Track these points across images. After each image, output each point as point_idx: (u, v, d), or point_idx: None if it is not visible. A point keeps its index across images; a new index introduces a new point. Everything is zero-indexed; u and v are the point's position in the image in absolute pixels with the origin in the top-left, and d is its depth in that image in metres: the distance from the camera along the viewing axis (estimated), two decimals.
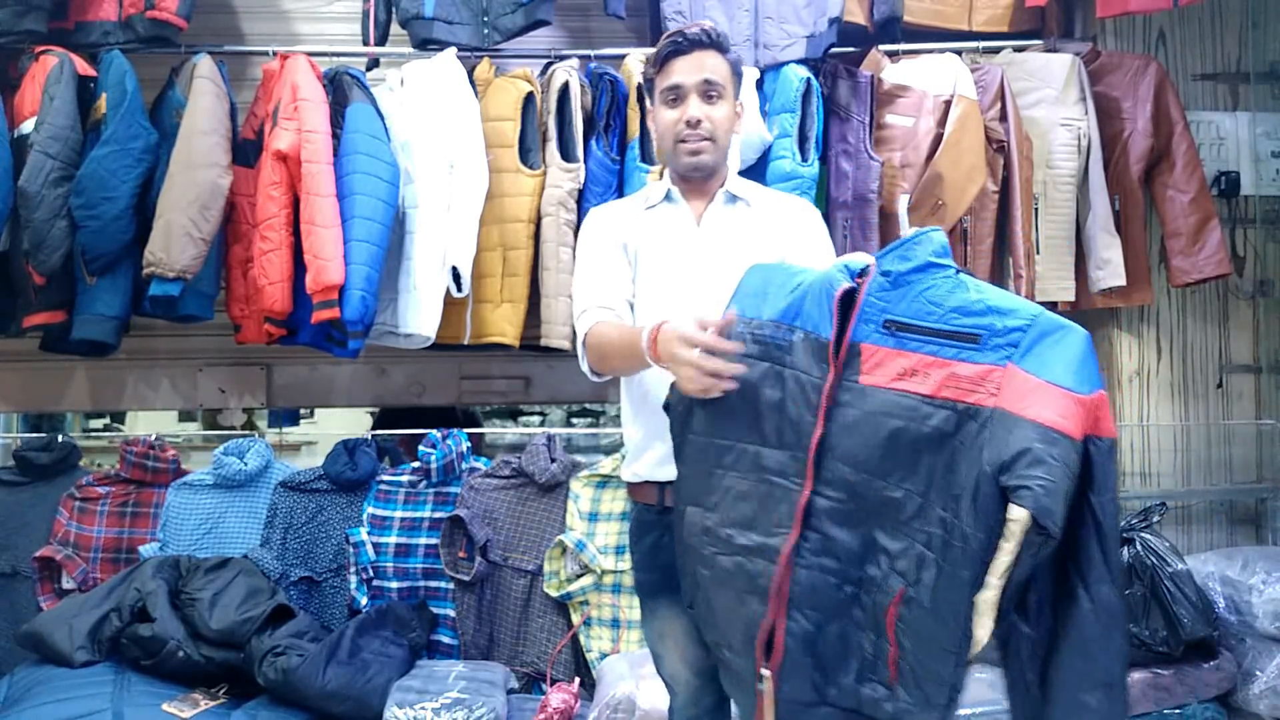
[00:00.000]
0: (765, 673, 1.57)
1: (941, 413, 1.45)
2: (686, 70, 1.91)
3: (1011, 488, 1.37)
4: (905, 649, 1.48)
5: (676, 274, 1.94)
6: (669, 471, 1.85)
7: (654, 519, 1.94)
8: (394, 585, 2.95)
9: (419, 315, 2.83)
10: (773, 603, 1.56)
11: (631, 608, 2.85)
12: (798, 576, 1.54)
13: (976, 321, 1.45)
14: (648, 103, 2.01)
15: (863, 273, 1.58)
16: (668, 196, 2.01)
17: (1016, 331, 1.43)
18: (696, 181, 1.99)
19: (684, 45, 1.91)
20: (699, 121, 1.90)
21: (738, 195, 2.00)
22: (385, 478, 3.02)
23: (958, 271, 1.51)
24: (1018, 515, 1.36)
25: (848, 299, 1.56)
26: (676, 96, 1.92)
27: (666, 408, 1.75)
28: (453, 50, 2.93)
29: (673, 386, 1.69)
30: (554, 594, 2.88)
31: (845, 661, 1.54)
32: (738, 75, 1.98)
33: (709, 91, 1.91)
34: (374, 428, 3.74)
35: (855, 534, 1.53)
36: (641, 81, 2.03)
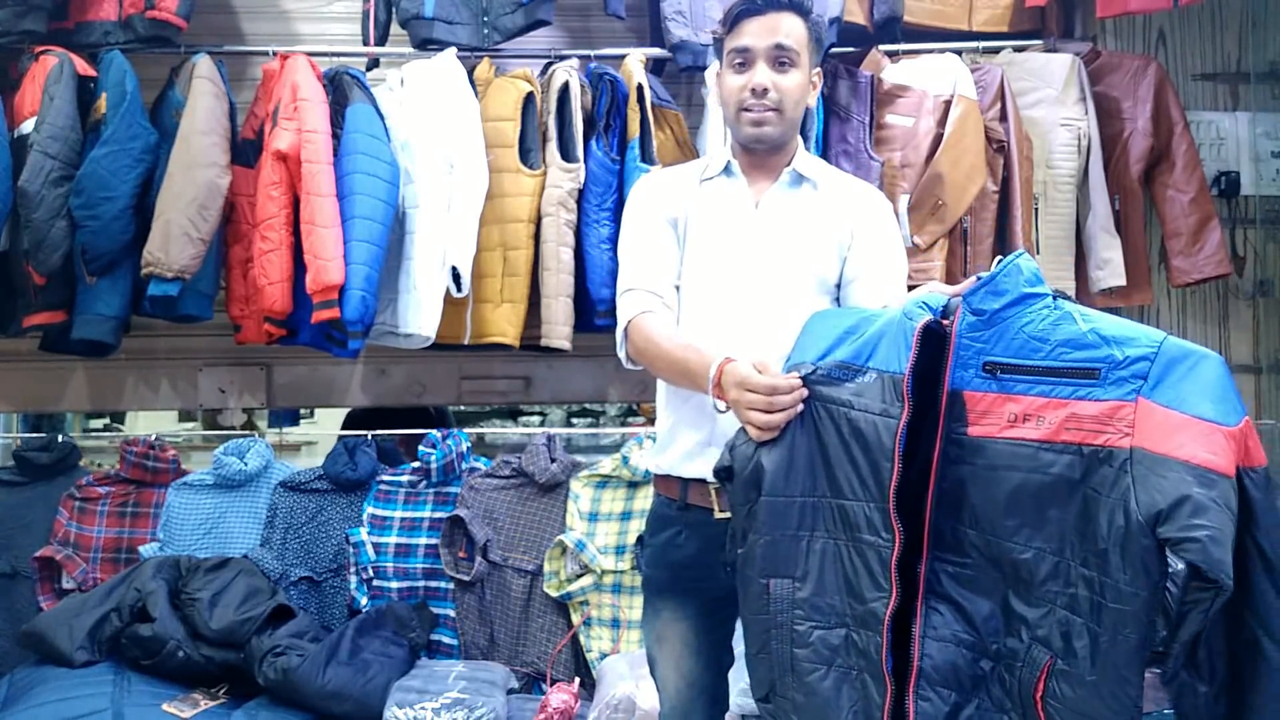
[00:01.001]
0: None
1: (1064, 458, 1.32)
2: (758, 33, 1.77)
3: (1174, 540, 1.22)
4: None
5: (728, 261, 1.82)
6: (694, 468, 1.80)
7: (674, 514, 1.86)
8: (394, 585, 2.95)
9: (419, 315, 2.83)
10: (888, 680, 1.40)
11: (631, 608, 2.85)
12: (928, 649, 1.40)
13: (1092, 355, 1.31)
14: (717, 66, 1.87)
15: (945, 311, 1.43)
16: (726, 169, 1.88)
17: (1142, 361, 1.29)
18: (760, 155, 1.86)
19: (758, 4, 1.77)
20: (765, 90, 1.77)
21: (804, 176, 1.86)
22: (385, 478, 3.02)
23: (1055, 297, 1.37)
24: (1178, 569, 1.22)
25: (931, 338, 1.41)
26: (744, 61, 1.78)
27: (723, 474, 1.58)
28: (453, 50, 2.93)
29: (731, 450, 1.56)
30: (554, 594, 2.88)
31: None
32: (817, 42, 1.84)
33: (780, 58, 1.77)
34: (343, 427, 3.72)
35: (987, 602, 1.39)
36: (713, 38, 1.89)
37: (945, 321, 1.43)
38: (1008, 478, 1.36)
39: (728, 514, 1.71)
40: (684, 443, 1.82)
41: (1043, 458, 1.33)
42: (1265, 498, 1.26)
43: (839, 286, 1.86)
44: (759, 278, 1.80)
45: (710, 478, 1.75)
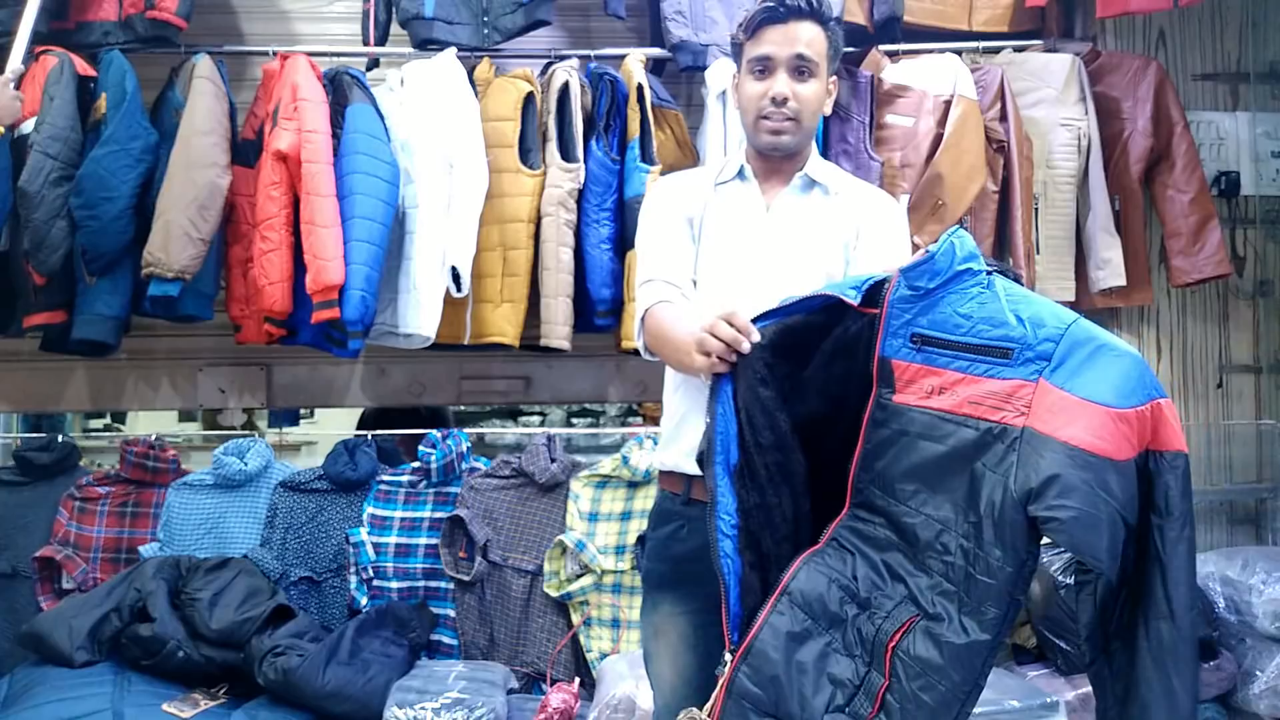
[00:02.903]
0: (728, 656, 1.49)
1: (962, 430, 1.36)
2: (779, 41, 1.77)
3: (1041, 518, 1.26)
4: (899, 684, 1.35)
5: (739, 262, 1.84)
6: (694, 463, 1.77)
7: (677, 509, 1.87)
8: (394, 585, 2.95)
9: (419, 315, 2.83)
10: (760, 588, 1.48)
11: (631, 608, 2.85)
12: (803, 574, 1.47)
13: (1007, 334, 1.34)
14: (735, 71, 1.87)
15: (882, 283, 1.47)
16: (740, 173, 1.89)
17: (1048, 343, 1.31)
18: (774, 161, 1.87)
19: (780, 13, 1.77)
20: (785, 99, 1.78)
21: (816, 180, 1.88)
22: (385, 478, 3.02)
23: (990, 274, 1.39)
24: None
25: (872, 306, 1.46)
26: (765, 69, 1.79)
27: (700, 460, 1.60)
28: (453, 50, 2.93)
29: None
30: (554, 594, 2.88)
31: (819, 683, 1.41)
32: (835, 51, 1.85)
33: (800, 67, 1.78)
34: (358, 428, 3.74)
35: (878, 556, 1.44)
36: (731, 42, 1.89)
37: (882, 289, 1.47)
38: (915, 445, 1.41)
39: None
40: (690, 438, 1.81)
41: (943, 428, 1.38)
42: (1171, 482, 1.27)
43: None
44: (770, 280, 1.80)
45: None
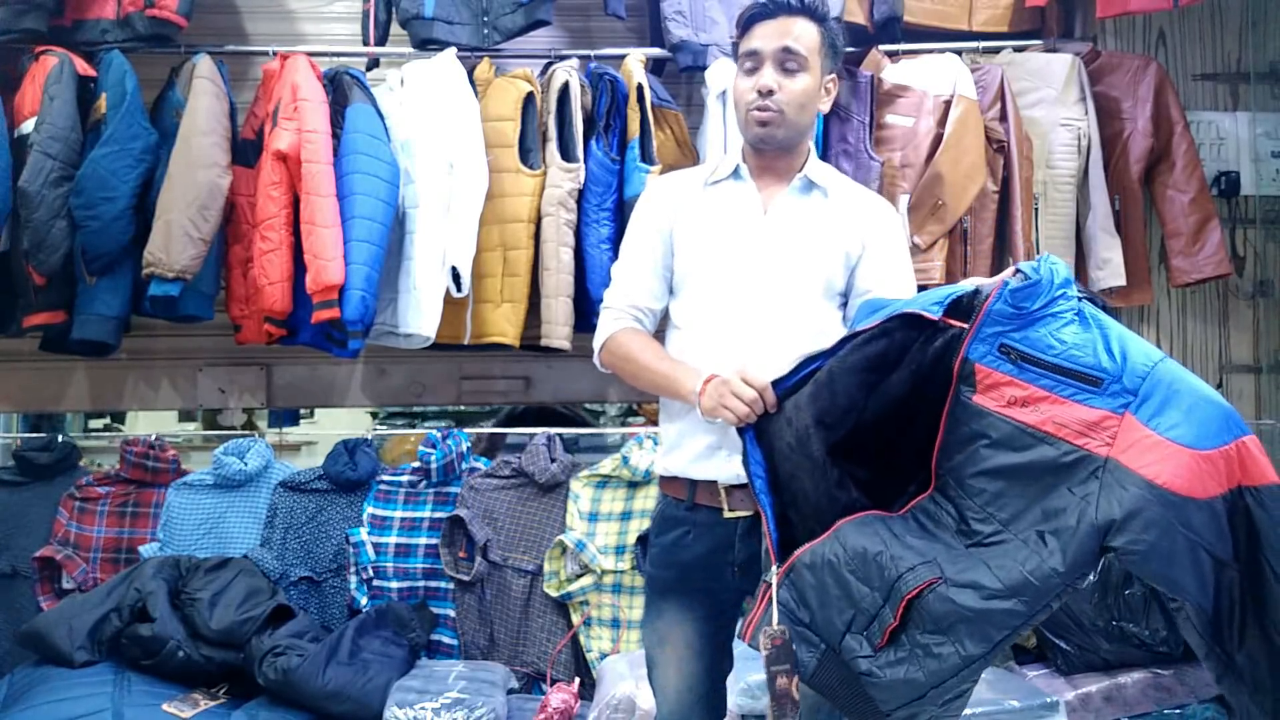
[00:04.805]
0: (774, 570, 1.60)
1: (1043, 446, 1.43)
2: (767, 36, 1.79)
3: (1119, 549, 1.35)
4: (910, 630, 1.48)
5: (736, 264, 1.83)
6: (701, 469, 1.82)
7: (682, 514, 1.86)
8: (394, 585, 2.95)
9: (419, 315, 2.83)
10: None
11: (632, 608, 2.85)
12: (858, 522, 1.56)
13: (1099, 363, 1.41)
14: (725, 66, 1.92)
15: (974, 295, 1.54)
16: (735, 173, 1.89)
17: (1136, 379, 1.39)
18: (769, 159, 1.87)
19: (769, 8, 1.80)
20: (770, 91, 1.78)
21: (815, 183, 1.87)
22: (385, 478, 3.03)
23: (1081, 300, 1.46)
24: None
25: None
26: (754, 65, 1.81)
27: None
28: (453, 50, 2.93)
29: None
30: (554, 594, 2.88)
31: (843, 604, 1.54)
32: (831, 47, 1.85)
33: (787, 61, 1.79)
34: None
35: (934, 528, 1.54)
36: (730, 46, 1.93)
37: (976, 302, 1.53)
38: (995, 449, 1.47)
39: (737, 513, 1.77)
40: (694, 446, 1.83)
41: (1024, 441, 1.45)
42: (1269, 511, 1.32)
43: (845, 294, 1.87)
44: (767, 282, 1.81)
45: (720, 478, 1.78)
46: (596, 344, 1.92)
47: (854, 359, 1.58)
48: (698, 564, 1.83)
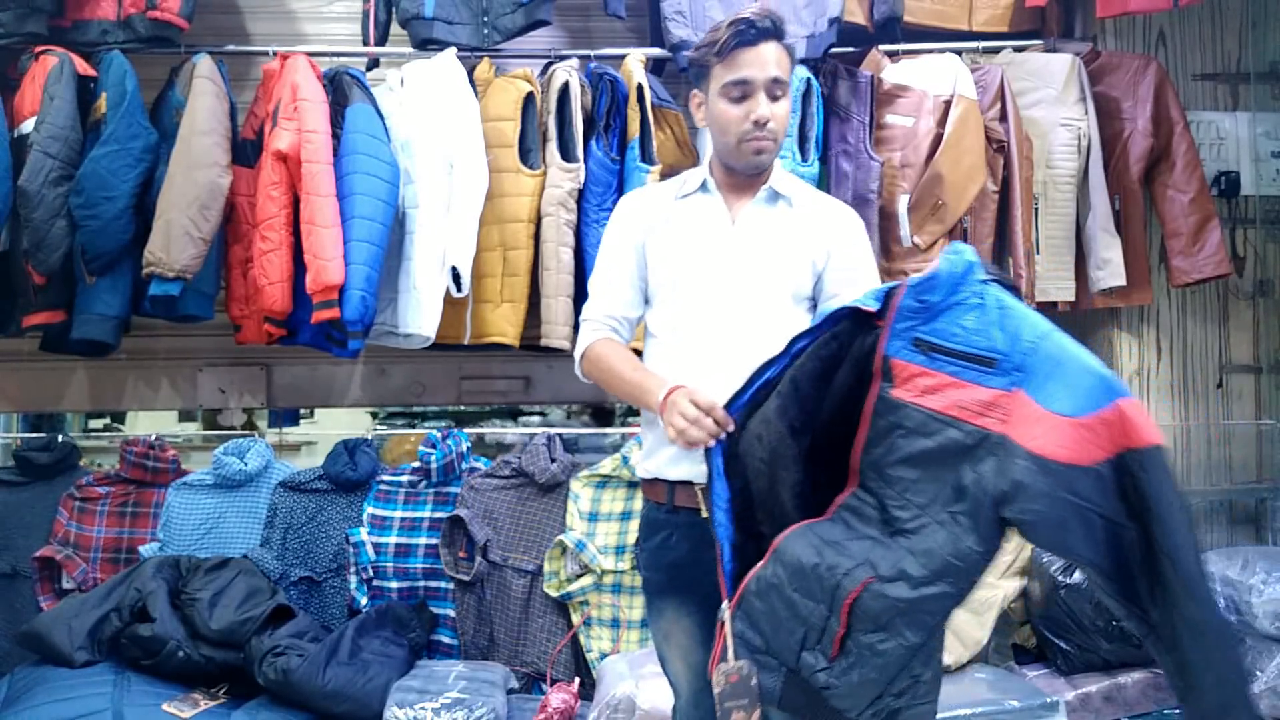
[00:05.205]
0: (726, 606, 1.66)
1: (949, 430, 1.48)
2: (756, 64, 1.82)
3: (1010, 520, 1.41)
4: (854, 634, 1.52)
5: (706, 274, 1.89)
6: (680, 470, 1.88)
7: (663, 518, 1.94)
8: (394, 585, 2.95)
9: (419, 315, 2.83)
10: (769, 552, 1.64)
11: (632, 608, 2.85)
12: (793, 535, 1.61)
13: (993, 345, 1.47)
14: (695, 88, 1.92)
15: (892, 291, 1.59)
16: (703, 186, 1.94)
17: (1022, 356, 1.44)
18: (740, 175, 1.92)
19: (751, 35, 1.81)
20: (766, 122, 1.83)
21: (780, 193, 1.93)
22: (385, 478, 3.03)
23: (986, 283, 1.49)
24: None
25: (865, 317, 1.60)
26: (744, 94, 1.83)
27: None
28: (453, 50, 2.93)
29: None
30: (554, 594, 2.88)
31: (793, 624, 1.58)
32: (794, 64, 1.91)
33: (775, 91, 1.84)
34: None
35: (860, 526, 1.57)
36: (691, 62, 1.94)
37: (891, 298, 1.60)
38: (909, 439, 1.53)
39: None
40: (670, 449, 1.88)
41: (934, 426, 1.50)
42: (1150, 475, 1.34)
43: (814, 299, 1.93)
44: (737, 290, 1.87)
45: (696, 479, 1.84)
46: (576, 355, 1.98)
47: (811, 365, 1.62)
48: (684, 563, 1.90)
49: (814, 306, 1.93)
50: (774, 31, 1.84)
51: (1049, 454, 1.38)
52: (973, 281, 1.49)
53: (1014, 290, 1.52)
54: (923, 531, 1.50)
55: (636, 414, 5.38)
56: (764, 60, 1.83)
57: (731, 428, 1.66)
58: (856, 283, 1.87)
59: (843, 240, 1.92)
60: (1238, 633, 1.35)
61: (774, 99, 1.85)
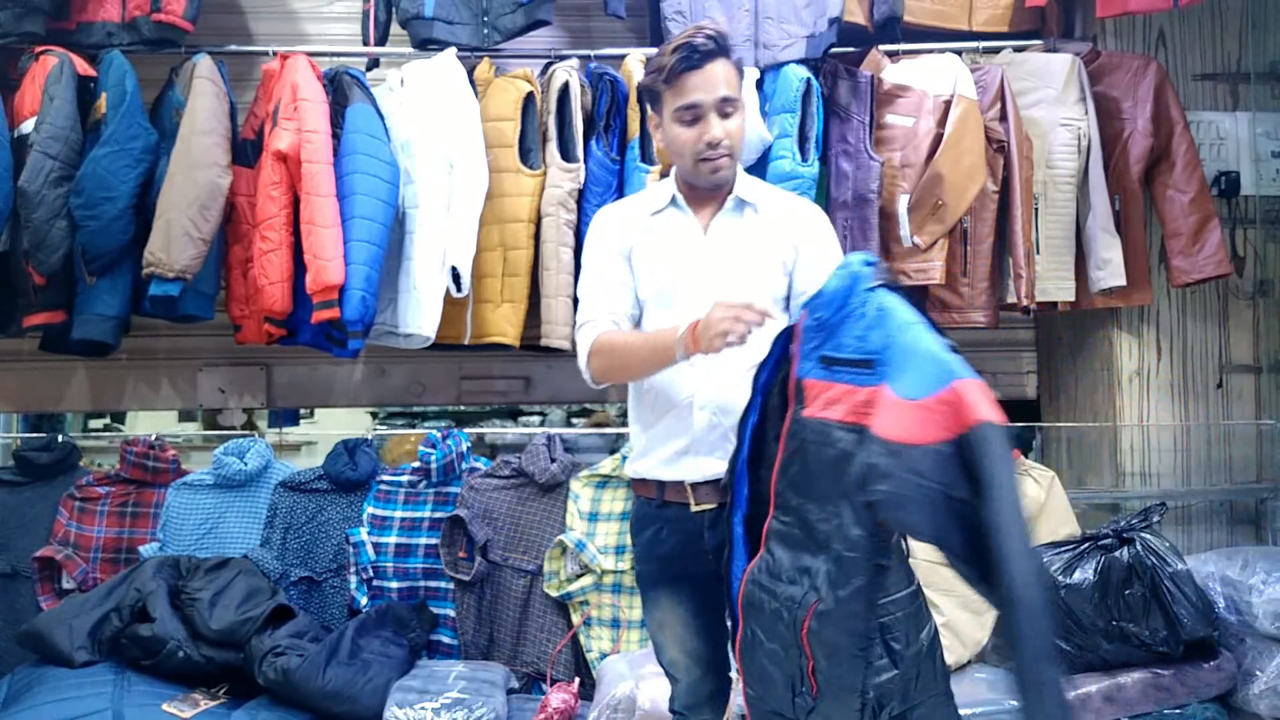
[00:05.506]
0: (735, 668, 1.74)
1: (847, 436, 1.54)
2: (702, 87, 1.85)
3: (868, 502, 1.48)
4: (818, 661, 1.57)
5: (684, 283, 1.94)
6: (669, 471, 1.94)
7: (653, 512, 1.99)
8: (394, 585, 2.95)
9: (419, 315, 2.83)
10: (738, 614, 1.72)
11: (631, 608, 2.85)
12: (747, 591, 1.68)
13: (870, 346, 1.54)
14: (651, 111, 1.98)
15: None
16: (673, 201, 1.99)
17: (886, 351, 1.51)
18: (704, 190, 1.98)
19: (696, 59, 1.84)
20: (720, 141, 1.88)
21: (746, 200, 1.98)
22: (385, 478, 3.02)
23: (872, 290, 1.55)
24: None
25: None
26: (695, 116, 1.87)
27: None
28: (453, 50, 2.93)
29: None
30: (554, 594, 2.88)
31: (781, 671, 1.62)
32: (742, 76, 1.95)
33: (726, 108, 1.87)
34: None
35: (791, 554, 1.63)
36: (642, 88, 2.00)
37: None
38: (816, 452, 1.59)
39: (704, 506, 1.92)
40: (663, 452, 1.95)
41: (833, 435, 1.57)
42: (985, 453, 1.36)
43: (788, 298, 1.98)
44: (715, 296, 1.89)
45: (687, 479, 1.91)
46: (583, 357, 1.97)
47: (776, 401, 1.70)
48: (674, 555, 1.96)
49: (788, 305, 1.98)
50: (718, 50, 1.87)
51: (894, 436, 1.44)
52: (860, 291, 1.56)
53: (900, 290, 1.57)
54: (830, 538, 1.56)
55: None
56: (711, 81, 1.86)
57: (774, 314, 1.74)
58: (825, 276, 1.91)
59: (808, 236, 1.98)
60: (1051, 617, 1.36)
61: (725, 116, 1.89)
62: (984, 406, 1.38)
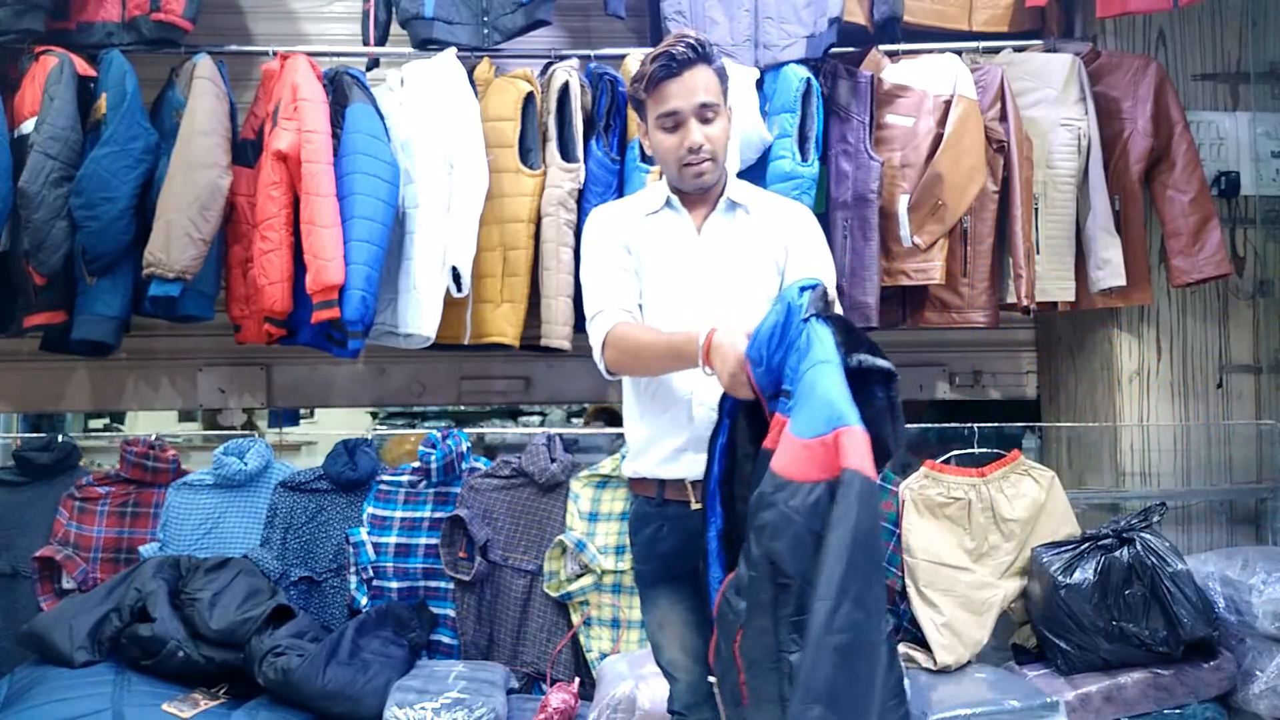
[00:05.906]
0: (712, 679, 1.78)
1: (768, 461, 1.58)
2: (681, 94, 1.90)
3: (754, 528, 1.53)
4: (747, 675, 1.61)
5: (679, 284, 1.97)
6: (669, 469, 1.96)
7: (653, 511, 2.01)
8: (394, 585, 2.95)
9: (419, 315, 2.83)
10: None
11: (631, 608, 2.85)
12: (720, 604, 1.70)
13: (787, 377, 1.59)
14: (639, 119, 2.01)
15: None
16: (668, 203, 2.03)
17: (794, 384, 1.56)
18: (692, 193, 2.01)
19: (674, 67, 1.89)
20: (700, 147, 1.92)
21: (737, 202, 2.02)
22: (385, 478, 3.02)
23: (805, 321, 1.58)
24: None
25: None
26: (675, 124, 1.92)
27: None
28: (453, 50, 2.93)
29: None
30: (554, 594, 2.88)
31: (735, 684, 1.66)
32: (724, 80, 1.97)
33: (705, 114, 1.91)
34: None
35: (744, 569, 1.65)
36: (628, 98, 2.04)
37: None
38: (761, 478, 1.61)
39: (701, 505, 1.88)
40: (660, 450, 1.97)
41: (765, 459, 1.59)
42: (847, 499, 1.41)
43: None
44: (711, 299, 1.94)
45: (687, 477, 1.93)
46: (597, 346, 1.97)
47: (743, 423, 1.74)
48: (674, 553, 1.97)
49: None
50: (696, 57, 1.90)
51: (779, 469, 1.51)
52: (795, 323, 1.59)
53: (832, 319, 1.59)
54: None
55: None
56: (689, 88, 1.89)
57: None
58: (813, 273, 1.94)
59: (797, 236, 2.02)
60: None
61: (706, 121, 1.92)
62: (855, 455, 1.43)
